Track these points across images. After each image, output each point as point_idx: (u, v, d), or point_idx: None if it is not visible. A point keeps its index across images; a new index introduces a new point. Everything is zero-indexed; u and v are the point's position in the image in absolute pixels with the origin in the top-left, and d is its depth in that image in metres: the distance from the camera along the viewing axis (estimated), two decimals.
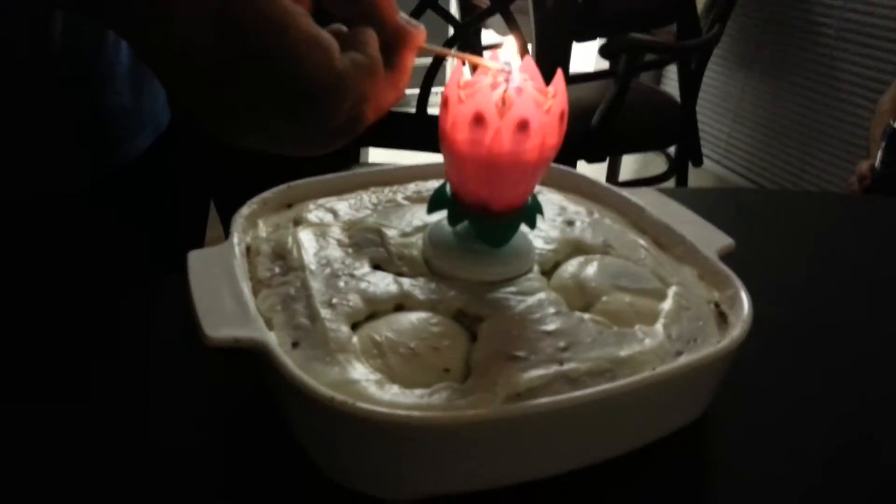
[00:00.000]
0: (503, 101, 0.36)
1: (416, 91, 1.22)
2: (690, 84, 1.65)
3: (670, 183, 1.75)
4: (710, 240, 0.42)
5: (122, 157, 0.54)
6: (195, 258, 0.37)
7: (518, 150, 0.34)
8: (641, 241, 0.43)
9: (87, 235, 0.54)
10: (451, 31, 1.22)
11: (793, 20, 1.97)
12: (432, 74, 1.22)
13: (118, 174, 0.54)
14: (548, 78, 0.36)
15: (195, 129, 0.67)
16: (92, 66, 0.50)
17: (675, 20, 1.62)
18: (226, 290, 0.35)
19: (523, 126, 0.34)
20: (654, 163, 2.22)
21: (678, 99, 1.68)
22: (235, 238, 0.40)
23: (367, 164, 1.36)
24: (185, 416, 0.39)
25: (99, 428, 0.38)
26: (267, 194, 0.45)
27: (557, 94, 0.35)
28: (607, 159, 1.94)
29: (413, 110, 1.25)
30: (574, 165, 1.29)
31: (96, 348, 0.44)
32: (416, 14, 1.16)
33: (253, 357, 0.33)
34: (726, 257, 0.41)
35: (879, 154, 1.04)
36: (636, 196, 0.47)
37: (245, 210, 0.43)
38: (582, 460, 0.34)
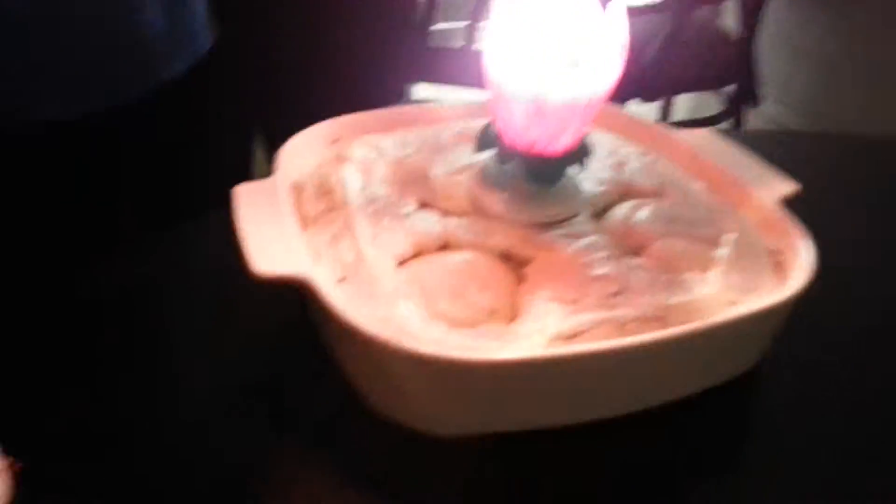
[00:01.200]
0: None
1: (463, 24, 1.19)
2: (750, 18, 1.57)
3: (726, 124, 1.68)
4: (771, 185, 0.40)
5: (155, 80, 0.53)
6: (243, 192, 0.37)
7: (569, 89, 0.33)
8: (696, 185, 0.42)
9: (127, 164, 0.53)
10: None
11: None
12: (479, 7, 1.18)
13: (153, 100, 0.53)
14: (602, 7, 0.34)
15: (238, 53, 0.65)
16: None
17: None
18: (273, 225, 0.35)
19: (575, 64, 0.32)
20: (709, 103, 2.14)
21: (737, 34, 1.59)
22: (281, 173, 0.40)
23: (412, 101, 1.34)
24: (231, 348, 0.39)
25: (144, 360, 0.39)
26: (312, 129, 0.44)
27: (615, 25, 0.33)
28: (661, 99, 1.87)
29: (460, 45, 1.22)
30: (625, 104, 1.25)
31: (142, 281, 0.45)
32: None
33: (299, 291, 0.33)
34: (788, 204, 0.39)
35: None
36: (692, 137, 0.45)
37: (290, 145, 0.43)
38: (628, 406, 0.34)
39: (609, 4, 0.33)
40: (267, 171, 0.40)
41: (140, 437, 0.34)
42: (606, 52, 0.33)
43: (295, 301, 0.37)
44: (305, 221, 0.38)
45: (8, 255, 0.48)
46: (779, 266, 0.36)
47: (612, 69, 0.34)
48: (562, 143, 0.36)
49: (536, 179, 0.38)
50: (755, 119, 2.08)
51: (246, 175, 0.83)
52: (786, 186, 0.40)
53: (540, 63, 0.32)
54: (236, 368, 0.38)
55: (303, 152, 0.43)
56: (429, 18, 1.18)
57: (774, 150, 0.45)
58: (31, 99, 0.48)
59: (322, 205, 0.39)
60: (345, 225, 0.36)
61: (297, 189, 0.40)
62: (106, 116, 0.50)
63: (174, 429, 0.35)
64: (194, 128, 0.59)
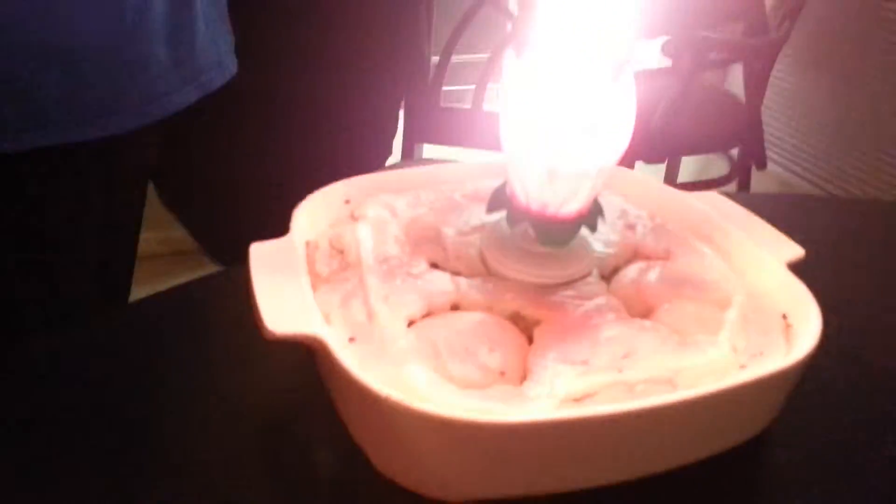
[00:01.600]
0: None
1: (472, 87, 1.22)
2: (756, 84, 1.60)
3: (731, 187, 1.70)
4: (778, 248, 0.41)
5: (158, 109, 0.52)
6: (257, 251, 0.38)
7: (582, 156, 0.34)
8: (705, 248, 0.42)
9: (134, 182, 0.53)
10: (508, 26, 1.21)
11: (866, 21, 1.89)
12: (489, 71, 1.21)
13: (155, 129, 0.52)
14: (612, 77, 0.35)
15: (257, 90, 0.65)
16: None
17: (743, 17, 1.57)
18: (286, 284, 0.35)
19: (588, 132, 0.33)
20: (715, 165, 2.16)
21: (743, 99, 1.63)
22: (295, 232, 0.40)
23: (422, 160, 1.37)
24: (239, 408, 0.40)
25: (150, 412, 0.39)
26: (327, 189, 0.45)
27: (625, 97, 0.34)
28: (666, 160, 1.89)
29: (468, 106, 1.25)
30: (632, 166, 1.27)
31: (154, 334, 0.45)
32: (474, 10, 1.16)
33: (310, 351, 0.34)
34: (794, 267, 0.40)
35: None
36: (700, 200, 0.46)
37: (305, 204, 0.43)
38: (636, 471, 0.34)
39: (619, 74, 0.34)
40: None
41: (141, 494, 0.34)
42: (618, 121, 0.34)
43: (303, 360, 0.37)
44: (318, 280, 0.39)
45: None
46: (787, 330, 0.36)
47: (623, 137, 0.35)
48: (573, 206, 0.37)
49: (548, 242, 0.38)
50: (761, 181, 2.09)
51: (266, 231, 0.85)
52: (792, 250, 0.40)
53: (553, 130, 0.33)
54: (242, 427, 0.38)
55: (317, 212, 0.44)
56: (440, 79, 1.22)
57: (780, 212, 0.45)
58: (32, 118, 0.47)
59: (335, 264, 0.39)
60: (357, 284, 0.37)
61: (311, 248, 0.41)
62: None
63: (173, 486, 0.35)
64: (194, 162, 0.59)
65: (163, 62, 0.52)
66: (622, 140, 0.35)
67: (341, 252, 0.40)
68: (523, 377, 0.34)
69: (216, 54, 0.58)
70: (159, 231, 1.68)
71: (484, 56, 1.19)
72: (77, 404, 0.39)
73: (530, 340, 0.35)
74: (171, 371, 0.42)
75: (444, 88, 1.23)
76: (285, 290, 0.35)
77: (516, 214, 0.38)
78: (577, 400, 0.32)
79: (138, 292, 0.48)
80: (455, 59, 1.19)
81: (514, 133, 0.34)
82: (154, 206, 1.10)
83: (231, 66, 0.60)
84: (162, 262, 1.62)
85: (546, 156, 0.34)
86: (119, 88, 0.51)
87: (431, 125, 1.26)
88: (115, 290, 0.62)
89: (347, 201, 0.46)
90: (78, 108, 0.50)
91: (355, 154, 1.00)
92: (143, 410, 0.39)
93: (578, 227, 0.38)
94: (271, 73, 0.89)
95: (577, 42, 0.35)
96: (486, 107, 1.25)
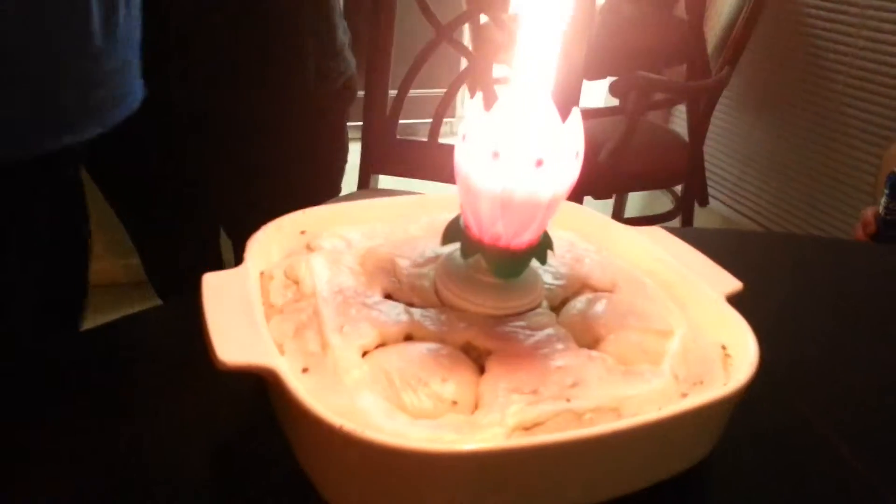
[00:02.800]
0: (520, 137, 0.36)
1: (429, 121, 1.24)
2: (699, 124, 1.67)
3: (676, 222, 1.75)
4: (718, 281, 0.43)
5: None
6: (210, 281, 0.38)
7: (533, 187, 0.35)
8: (649, 280, 0.44)
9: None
10: (463, 63, 1.24)
11: (803, 65, 1.99)
12: (444, 105, 1.24)
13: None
14: (563, 115, 0.37)
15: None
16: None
17: (686, 60, 1.64)
18: (240, 314, 0.35)
19: (539, 164, 0.35)
20: (660, 201, 2.23)
21: (686, 138, 1.69)
22: (249, 263, 0.41)
23: (376, 191, 1.37)
24: (188, 438, 0.39)
25: (99, 446, 0.38)
26: (281, 220, 0.45)
27: (574, 132, 0.36)
28: (613, 196, 1.95)
29: (425, 139, 1.27)
30: (581, 201, 1.30)
31: (102, 365, 0.44)
32: (432, 46, 1.18)
33: (260, 381, 0.34)
34: (733, 299, 0.41)
35: (883, 201, 1.05)
36: (644, 235, 0.48)
37: (260, 235, 0.44)
38: (585, 498, 0.34)
39: (568, 113, 0.36)
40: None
41: None
42: (567, 154, 0.35)
43: (256, 391, 0.37)
44: (272, 311, 0.39)
45: None
46: (726, 360, 0.38)
47: (572, 169, 0.36)
48: (525, 238, 0.38)
49: (501, 273, 0.39)
50: (704, 217, 2.17)
51: (218, 263, 0.84)
52: (731, 284, 0.42)
53: (508, 161, 0.35)
54: (192, 453, 0.38)
55: (271, 242, 0.44)
56: (396, 112, 1.23)
57: (720, 247, 0.48)
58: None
59: (289, 294, 0.39)
60: (311, 315, 0.37)
61: (265, 279, 0.41)
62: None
63: None
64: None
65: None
66: (572, 172, 0.36)
67: (296, 283, 0.40)
68: (475, 406, 0.34)
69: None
70: (121, 259, 1.63)
71: (440, 91, 1.21)
72: (23, 430, 0.38)
73: (482, 370, 0.36)
74: (120, 398, 0.41)
75: (401, 121, 1.25)
76: (238, 320, 0.35)
77: (469, 246, 0.39)
78: (527, 428, 0.32)
79: (101, 319, 0.47)
80: (412, 93, 1.21)
81: (472, 162, 0.36)
82: (118, 233, 1.08)
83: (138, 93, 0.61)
84: (125, 290, 1.58)
85: (501, 184, 0.35)
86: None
87: (388, 156, 1.27)
88: (63, 316, 0.61)
89: (303, 232, 0.46)
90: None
91: (301, 190, 1.01)
92: (94, 436, 0.38)
93: (529, 259, 0.40)
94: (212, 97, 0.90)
95: (529, 78, 0.37)
96: (442, 140, 1.27)
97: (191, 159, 0.96)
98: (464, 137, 0.36)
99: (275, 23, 0.90)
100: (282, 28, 0.91)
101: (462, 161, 0.36)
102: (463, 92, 1.34)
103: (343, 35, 1.01)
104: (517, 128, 0.36)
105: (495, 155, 0.35)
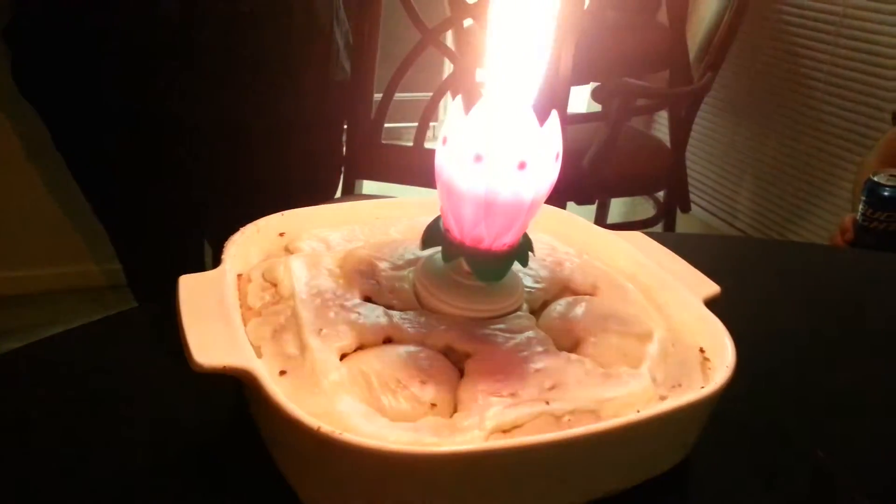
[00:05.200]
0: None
1: (414, 125, 1.24)
2: (680, 130, 1.68)
3: (658, 228, 1.77)
4: (697, 286, 0.43)
5: None
6: (186, 284, 0.37)
7: (517, 189, 0.35)
8: (629, 284, 0.44)
9: None
10: (449, 68, 1.24)
11: (783, 73, 2.02)
12: (430, 109, 1.24)
13: None
14: (542, 118, 0.37)
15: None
16: None
17: (668, 67, 1.66)
18: (216, 316, 0.35)
19: (522, 166, 0.35)
20: (643, 207, 2.25)
21: (668, 144, 1.70)
22: (227, 265, 0.40)
23: (359, 196, 1.37)
24: (166, 440, 0.39)
25: (77, 447, 0.37)
26: (260, 222, 0.45)
27: (554, 135, 0.36)
28: (596, 202, 1.96)
29: (410, 144, 1.27)
30: (564, 207, 1.30)
31: (78, 368, 0.43)
32: (417, 51, 1.18)
33: (239, 384, 0.33)
34: (711, 303, 0.42)
35: (860, 207, 1.06)
36: (625, 239, 0.48)
37: (238, 237, 0.43)
38: (563, 501, 0.34)
39: (548, 117, 0.36)
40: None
41: None
42: (547, 157, 0.36)
43: (233, 394, 0.37)
44: (249, 313, 0.38)
45: None
46: (704, 363, 0.38)
47: (553, 171, 0.36)
48: (507, 239, 0.38)
49: (484, 276, 0.39)
50: (686, 223, 2.18)
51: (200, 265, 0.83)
52: (709, 288, 0.43)
53: (491, 164, 0.35)
54: (169, 462, 0.37)
55: (250, 244, 0.44)
56: (382, 116, 1.23)
57: (700, 251, 0.48)
58: None
59: (267, 296, 0.39)
60: (289, 317, 0.37)
61: (243, 281, 0.41)
62: None
63: None
64: None
65: None
66: (551, 174, 0.36)
67: (274, 285, 0.40)
68: (454, 409, 0.34)
69: None
70: (101, 264, 1.62)
71: (426, 95, 1.21)
72: None
73: (461, 373, 0.36)
74: (97, 400, 0.41)
75: (386, 125, 1.25)
76: (215, 322, 0.35)
77: (451, 250, 0.39)
78: (506, 431, 0.32)
79: (77, 322, 0.46)
80: (398, 97, 1.21)
81: (452, 167, 0.35)
82: (100, 238, 1.07)
83: None
84: (103, 293, 1.57)
85: (484, 185, 0.35)
86: None
87: (372, 161, 1.27)
88: None
89: (281, 234, 0.46)
90: None
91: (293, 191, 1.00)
92: (69, 437, 0.38)
93: (512, 261, 0.39)
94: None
95: (509, 81, 0.37)
96: (428, 145, 1.27)
97: (182, 168, 0.95)
98: (444, 141, 0.36)
99: (286, 24, 0.89)
100: (295, 29, 0.90)
101: (444, 164, 0.36)
102: (447, 96, 1.35)
103: (341, 39, 1.01)
104: (499, 130, 0.36)
105: (478, 158, 0.35)
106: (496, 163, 0.35)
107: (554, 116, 0.36)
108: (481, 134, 0.35)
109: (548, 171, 0.36)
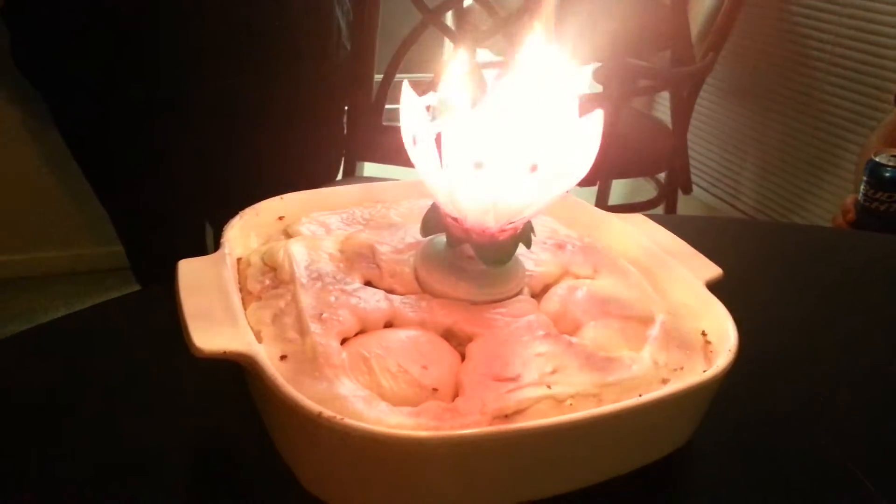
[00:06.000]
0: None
1: None
2: (682, 111, 1.67)
3: (659, 209, 1.76)
4: (699, 268, 0.43)
5: None
6: (186, 268, 0.37)
7: (528, 193, 0.35)
8: (630, 267, 0.44)
9: None
10: (448, 48, 1.23)
11: (785, 53, 2.00)
12: (432, 90, 1.23)
13: None
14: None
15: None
16: None
17: (669, 47, 1.64)
18: (216, 301, 0.35)
19: (534, 169, 0.34)
20: (644, 188, 2.24)
21: (670, 125, 1.69)
22: (227, 249, 0.40)
23: (360, 178, 1.36)
24: (166, 426, 0.39)
25: (78, 430, 0.37)
26: (259, 206, 0.45)
27: (588, 132, 0.35)
28: (597, 183, 1.95)
29: None
30: None
31: (77, 352, 0.43)
32: (418, 30, 1.17)
33: (239, 369, 0.33)
34: (713, 286, 0.42)
35: (862, 188, 1.06)
36: (626, 222, 0.48)
37: (237, 221, 0.43)
38: (566, 485, 0.34)
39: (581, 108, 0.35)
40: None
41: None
42: (569, 160, 0.35)
43: (233, 376, 0.37)
44: (249, 297, 0.38)
45: None
46: (706, 346, 0.38)
47: (572, 177, 0.36)
48: (512, 228, 0.38)
49: (490, 261, 0.39)
50: (687, 205, 2.18)
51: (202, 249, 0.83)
52: (711, 270, 0.42)
53: (499, 168, 0.34)
54: (169, 447, 0.37)
55: (249, 228, 0.44)
56: (382, 98, 1.22)
57: (701, 234, 0.48)
58: None
59: (267, 281, 0.39)
60: (289, 301, 0.37)
61: (243, 265, 0.41)
62: None
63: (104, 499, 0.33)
64: None
65: None
66: (572, 179, 0.36)
67: (274, 269, 0.40)
68: (455, 393, 0.34)
69: None
70: (103, 246, 1.62)
71: (428, 76, 1.20)
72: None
73: (463, 357, 0.36)
74: (95, 385, 0.41)
75: (387, 107, 1.23)
76: (215, 307, 0.35)
77: (455, 235, 0.39)
78: (508, 415, 0.32)
79: (79, 305, 0.46)
80: (398, 77, 1.20)
81: (460, 169, 0.34)
82: (101, 221, 1.07)
83: None
84: (105, 276, 1.57)
85: (492, 193, 0.34)
86: None
87: (373, 144, 1.26)
88: None
89: (281, 218, 0.45)
90: None
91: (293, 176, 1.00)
92: (70, 423, 0.38)
93: (517, 245, 0.39)
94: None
95: (529, 77, 0.36)
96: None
97: (185, 149, 0.94)
98: (414, 141, 0.35)
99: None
100: (302, 7, 0.89)
101: (427, 170, 0.35)
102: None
103: (342, 18, 0.99)
104: (503, 133, 0.34)
105: (478, 165, 0.34)
106: (504, 165, 0.34)
107: (596, 114, 0.35)
108: (479, 138, 0.34)
109: (567, 176, 0.35)
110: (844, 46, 1.84)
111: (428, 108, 0.35)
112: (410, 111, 0.35)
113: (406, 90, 0.36)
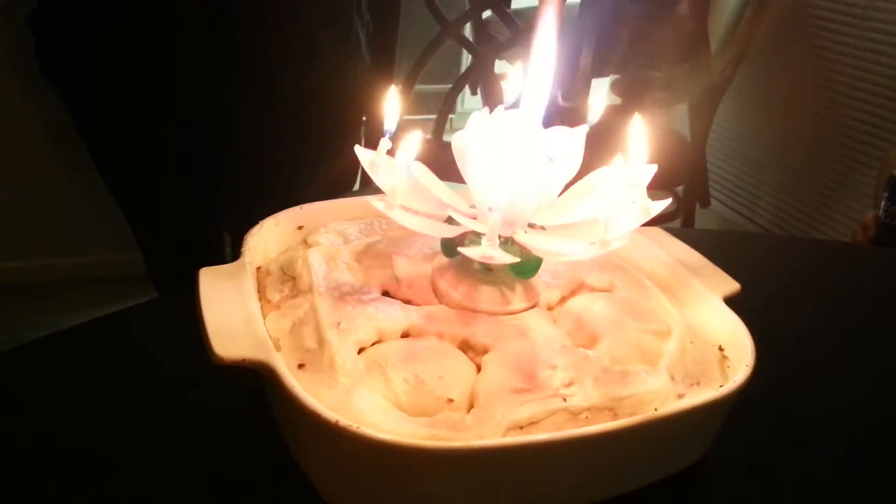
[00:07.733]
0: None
1: (432, 117, 1.24)
2: (700, 124, 1.66)
3: (677, 223, 1.75)
4: (717, 283, 0.43)
5: None
6: (207, 276, 0.37)
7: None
8: (647, 281, 0.44)
9: None
10: (467, 60, 1.23)
11: (806, 67, 1.99)
12: (449, 102, 1.23)
13: None
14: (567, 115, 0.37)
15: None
16: None
17: (688, 60, 1.64)
18: (236, 309, 0.35)
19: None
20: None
21: (688, 138, 1.69)
22: (247, 258, 0.40)
23: (378, 189, 1.37)
24: (183, 433, 0.39)
25: (97, 436, 0.38)
26: (279, 215, 0.45)
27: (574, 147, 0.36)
28: None
29: (428, 136, 1.27)
30: None
31: (98, 358, 0.44)
32: (437, 42, 1.18)
33: (256, 376, 0.34)
34: (731, 301, 0.41)
35: (883, 204, 1.05)
36: (644, 235, 0.48)
37: (256, 230, 0.44)
38: (580, 498, 0.34)
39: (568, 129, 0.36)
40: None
41: None
42: (567, 171, 0.35)
43: (250, 384, 0.37)
44: (268, 306, 0.39)
45: None
46: (723, 361, 0.38)
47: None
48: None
49: (521, 273, 0.39)
50: (705, 219, 2.16)
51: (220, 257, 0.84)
52: (729, 285, 0.42)
53: (511, 179, 0.34)
54: (188, 454, 0.38)
55: (269, 237, 0.44)
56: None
57: (720, 248, 0.47)
58: None
59: (286, 290, 0.39)
60: (308, 310, 0.37)
61: (262, 274, 0.41)
62: None
63: None
64: None
65: None
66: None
67: (293, 278, 0.40)
68: (471, 404, 0.34)
69: None
70: (121, 254, 1.63)
71: (446, 87, 1.20)
72: (13, 431, 0.38)
73: (478, 368, 0.36)
74: (116, 392, 0.41)
75: (405, 117, 1.25)
76: (234, 315, 0.35)
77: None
78: (523, 427, 0.32)
79: (97, 312, 0.47)
80: (417, 88, 1.21)
81: (479, 182, 0.35)
82: (120, 228, 1.08)
83: None
84: (124, 284, 1.58)
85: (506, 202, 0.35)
86: None
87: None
88: None
89: (300, 227, 0.46)
90: None
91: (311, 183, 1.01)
92: (88, 429, 0.38)
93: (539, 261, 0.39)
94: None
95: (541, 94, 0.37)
96: (446, 137, 1.27)
97: (205, 156, 0.95)
98: (472, 156, 0.36)
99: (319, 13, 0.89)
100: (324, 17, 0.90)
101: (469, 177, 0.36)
102: (465, 89, 1.34)
103: (362, 31, 1.00)
104: (521, 142, 0.35)
105: (501, 172, 0.34)
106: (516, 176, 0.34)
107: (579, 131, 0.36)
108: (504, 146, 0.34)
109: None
110: (865, 60, 1.83)
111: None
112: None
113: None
